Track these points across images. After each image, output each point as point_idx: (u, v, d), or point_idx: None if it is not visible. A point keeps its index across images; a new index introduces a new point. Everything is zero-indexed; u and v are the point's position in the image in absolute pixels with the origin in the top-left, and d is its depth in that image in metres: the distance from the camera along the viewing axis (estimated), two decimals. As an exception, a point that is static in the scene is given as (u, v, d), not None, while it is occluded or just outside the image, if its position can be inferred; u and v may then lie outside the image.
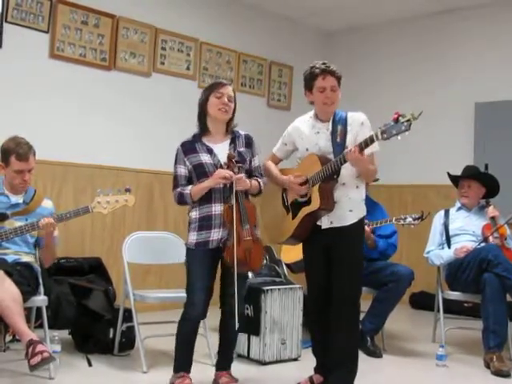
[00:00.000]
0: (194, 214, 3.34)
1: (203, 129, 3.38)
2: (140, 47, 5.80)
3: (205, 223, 3.29)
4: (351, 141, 3.21)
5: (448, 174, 4.72)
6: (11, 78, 4.99)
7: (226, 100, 3.31)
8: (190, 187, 3.32)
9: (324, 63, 3.25)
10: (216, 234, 3.28)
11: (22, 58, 5.04)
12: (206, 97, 3.34)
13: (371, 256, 4.45)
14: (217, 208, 3.29)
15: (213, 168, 3.29)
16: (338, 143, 3.21)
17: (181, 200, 3.35)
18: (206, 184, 3.27)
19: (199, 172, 3.31)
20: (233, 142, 3.40)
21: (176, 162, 3.39)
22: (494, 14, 6.36)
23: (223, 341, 3.46)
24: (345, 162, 3.10)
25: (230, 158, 3.28)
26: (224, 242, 3.27)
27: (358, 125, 3.24)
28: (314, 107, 3.35)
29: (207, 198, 3.29)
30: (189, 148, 3.35)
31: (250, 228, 3.28)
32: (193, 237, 3.32)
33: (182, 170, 3.36)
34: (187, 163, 3.34)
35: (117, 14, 5.61)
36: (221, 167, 3.28)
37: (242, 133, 3.46)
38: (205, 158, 3.31)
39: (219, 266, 3.38)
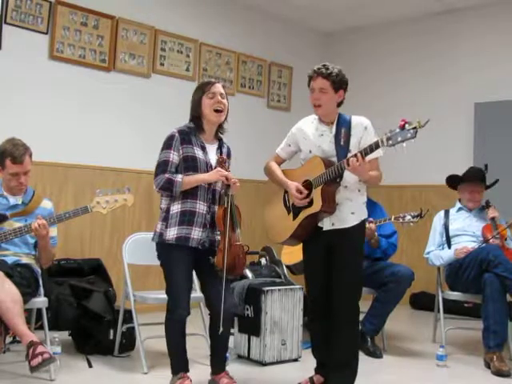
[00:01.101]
0: (176, 208, 3.24)
1: (199, 128, 3.35)
2: (139, 48, 5.80)
3: (186, 218, 3.22)
4: (355, 144, 3.21)
5: (455, 176, 4.66)
6: (11, 79, 4.99)
7: (219, 98, 3.31)
8: (181, 176, 3.22)
9: (322, 65, 3.25)
10: (197, 233, 3.23)
11: (22, 59, 5.05)
12: (199, 99, 3.33)
13: (375, 255, 4.46)
14: (200, 206, 3.25)
15: (204, 165, 3.27)
16: (342, 146, 3.21)
17: (168, 187, 3.20)
18: (207, 177, 3.23)
19: (190, 165, 3.25)
20: (219, 148, 3.41)
21: (168, 147, 3.27)
22: (493, 14, 6.37)
23: (217, 344, 3.42)
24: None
25: (221, 162, 3.29)
26: (203, 244, 3.25)
27: (362, 129, 3.24)
28: None
29: (192, 194, 3.24)
30: (186, 138, 3.29)
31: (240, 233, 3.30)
32: (173, 232, 3.21)
33: (175, 157, 3.27)
34: (181, 152, 3.27)
35: (116, 15, 5.62)
36: (210, 167, 3.28)
37: (225, 143, 3.47)
38: (199, 152, 3.29)
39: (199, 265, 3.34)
